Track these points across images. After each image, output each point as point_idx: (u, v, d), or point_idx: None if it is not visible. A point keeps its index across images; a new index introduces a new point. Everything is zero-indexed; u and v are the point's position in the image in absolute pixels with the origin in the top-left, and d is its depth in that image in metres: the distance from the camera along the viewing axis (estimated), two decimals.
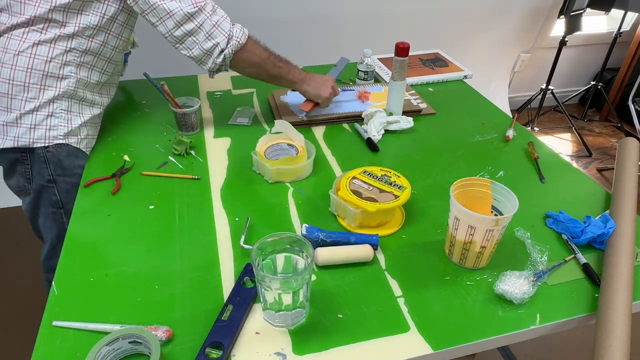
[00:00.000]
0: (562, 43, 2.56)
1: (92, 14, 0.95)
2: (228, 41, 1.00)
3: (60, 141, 1.00)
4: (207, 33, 0.98)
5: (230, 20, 1.01)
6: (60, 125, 0.99)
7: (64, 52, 0.95)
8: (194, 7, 0.95)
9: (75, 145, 1.03)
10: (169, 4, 0.94)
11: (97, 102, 1.07)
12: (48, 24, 0.93)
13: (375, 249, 0.83)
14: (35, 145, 0.98)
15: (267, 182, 1.01)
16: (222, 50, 1.00)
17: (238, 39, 1.01)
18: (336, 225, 0.89)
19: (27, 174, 1.02)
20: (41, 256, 1.16)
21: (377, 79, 1.51)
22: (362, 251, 0.80)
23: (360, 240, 0.83)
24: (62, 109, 0.99)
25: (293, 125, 1.06)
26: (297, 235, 0.69)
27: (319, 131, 1.21)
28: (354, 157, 1.11)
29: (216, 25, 0.98)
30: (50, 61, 0.95)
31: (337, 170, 1.06)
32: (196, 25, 0.96)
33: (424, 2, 2.36)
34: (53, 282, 0.76)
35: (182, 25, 0.96)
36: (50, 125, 0.98)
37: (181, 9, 0.94)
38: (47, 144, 0.99)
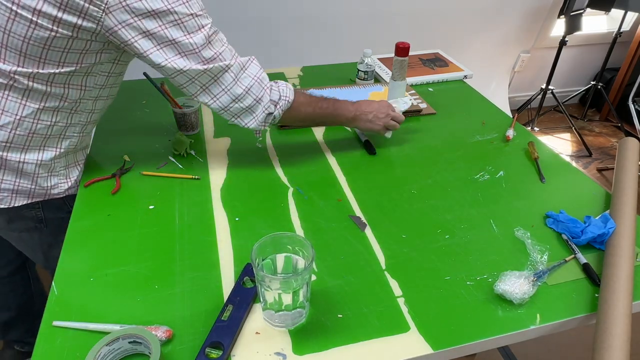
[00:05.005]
0: (562, 43, 2.56)
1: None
2: (276, 105, 0.94)
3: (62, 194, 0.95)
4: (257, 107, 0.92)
5: (268, 82, 0.93)
6: (60, 183, 0.94)
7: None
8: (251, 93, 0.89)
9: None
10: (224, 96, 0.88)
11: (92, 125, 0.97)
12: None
13: None
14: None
15: (267, 182, 1.01)
16: (271, 113, 0.94)
17: (286, 99, 0.94)
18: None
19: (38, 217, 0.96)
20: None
21: (377, 79, 1.51)
22: None
23: None
24: (61, 166, 0.94)
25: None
26: (297, 235, 0.69)
27: (319, 131, 1.21)
28: (354, 157, 1.11)
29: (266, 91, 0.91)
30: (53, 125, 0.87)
31: (337, 170, 1.06)
32: (251, 103, 0.91)
33: (424, 2, 2.36)
34: (53, 282, 0.76)
35: (236, 103, 0.90)
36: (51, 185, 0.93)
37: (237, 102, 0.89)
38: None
